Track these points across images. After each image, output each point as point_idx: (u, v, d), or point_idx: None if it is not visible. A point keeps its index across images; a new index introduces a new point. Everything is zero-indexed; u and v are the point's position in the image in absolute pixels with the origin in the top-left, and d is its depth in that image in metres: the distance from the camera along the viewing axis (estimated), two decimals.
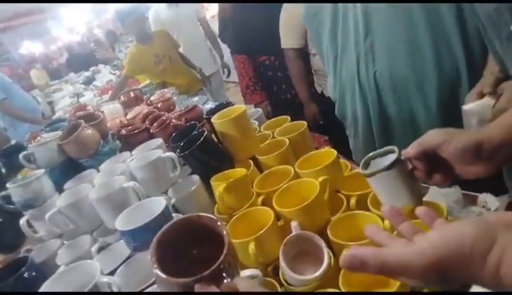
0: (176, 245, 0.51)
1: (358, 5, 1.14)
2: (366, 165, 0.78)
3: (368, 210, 0.85)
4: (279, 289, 0.79)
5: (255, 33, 2.23)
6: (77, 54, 7.91)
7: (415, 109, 1.17)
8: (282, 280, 0.78)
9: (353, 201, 0.89)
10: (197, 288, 0.45)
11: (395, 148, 0.72)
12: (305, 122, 1.17)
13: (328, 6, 1.23)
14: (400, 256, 0.38)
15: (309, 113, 2.17)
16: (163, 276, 0.47)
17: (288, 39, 2.04)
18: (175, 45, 3.11)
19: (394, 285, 0.67)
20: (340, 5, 1.20)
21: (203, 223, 0.54)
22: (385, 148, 0.76)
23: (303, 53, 2.07)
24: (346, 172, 1.04)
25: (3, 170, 1.37)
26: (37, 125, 3.23)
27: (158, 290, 0.50)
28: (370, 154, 0.80)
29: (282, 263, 0.76)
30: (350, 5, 1.16)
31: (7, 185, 1.05)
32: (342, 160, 1.06)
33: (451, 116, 1.12)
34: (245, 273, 0.75)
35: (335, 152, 0.98)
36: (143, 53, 2.89)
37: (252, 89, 2.31)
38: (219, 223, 0.53)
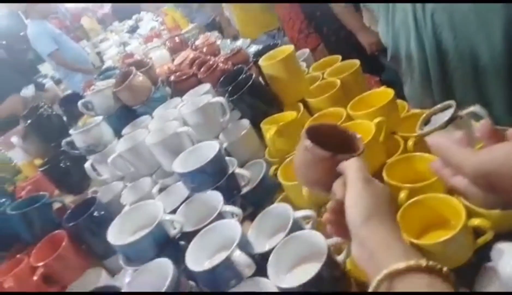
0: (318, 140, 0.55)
1: None
2: (426, 122, 0.77)
3: (427, 152, 0.82)
4: None
5: None
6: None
7: (477, 49, 1.06)
8: None
9: (410, 143, 0.86)
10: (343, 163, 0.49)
11: (453, 103, 0.70)
12: (357, 61, 1.11)
13: None
14: (457, 155, 0.40)
15: (364, 42, 2.03)
16: (320, 150, 0.51)
17: None
18: None
19: (456, 225, 0.65)
20: None
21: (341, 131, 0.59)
22: (445, 103, 0.74)
23: None
24: (402, 112, 0.99)
25: (65, 118, 1.46)
26: (89, 75, 3.37)
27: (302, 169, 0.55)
28: (431, 110, 0.78)
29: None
30: None
31: (70, 132, 1.12)
32: (399, 100, 1.01)
33: None
34: (299, 213, 0.77)
35: (392, 92, 0.93)
36: None
37: (306, 32, 2.19)
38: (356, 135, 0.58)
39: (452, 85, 1.15)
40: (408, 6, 1.10)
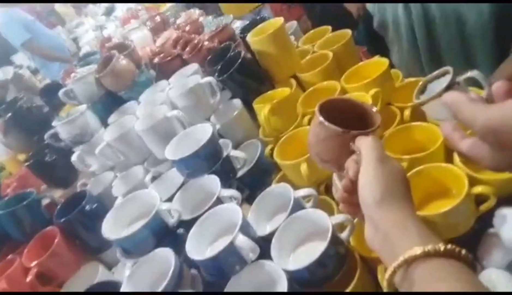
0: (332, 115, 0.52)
1: None
2: (422, 90, 0.76)
3: (424, 121, 0.80)
4: (334, 206, 0.79)
5: None
6: None
7: (463, 14, 1.04)
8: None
9: (407, 112, 0.84)
10: (358, 140, 0.47)
11: (450, 69, 0.68)
12: (349, 31, 1.07)
13: None
14: (469, 110, 0.39)
15: (351, 6, 1.98)
16: (332, 126, 0.49)
17: None
18: None
19: (458, 194, 0.64)
20: None
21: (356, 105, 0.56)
22: (441, 69, 0.71)
23: None
24: (397, 82, 0.97)
25: (46, 109, 1.39)
26: (67, 63, 3.24)
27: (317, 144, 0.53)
28: (426, 77, 0.76)
29: (336, 180, 0.75)
30: None
31: (53, 123, 1.06)
32: (393, 70, 0.99)
33: (506, 19, 0.99)
34: (299, 193, 0.75)
35: (386, 61, 0.91)
36: None
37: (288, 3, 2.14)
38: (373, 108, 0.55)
39: (440, 51, 1.13)
40: None
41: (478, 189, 0.64)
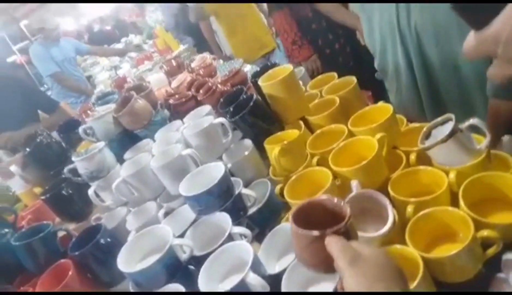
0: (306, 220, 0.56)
1: None
2: (427, 136, 0.80)
3: (429, 165, 0.83)
4: None
5: None
6: (98, 32, 8.06)
7: (459, 59, 1.11)
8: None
9: (413, 157, 0.87)
10: (328, 240, 0.50)
11: (453, 116, 0.74)
12: (354, 78, 1.14)
13: None
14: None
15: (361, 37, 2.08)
16: (301, 230, 0.53)
17: None
18: None
19: (464, 238, 0.66)
20: None
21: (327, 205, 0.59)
22: (445, 116, 0.78)
23: None
24: (402, 127, 1.01)
25: (63, 144, 1.45)
26: (83, 98, 3.38)
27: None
28: (430, 123, 0.81)
29: None
30: None
31: (73, 159, 1.11)
32: (398, 115, 1.03)
33: None
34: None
35: (391, 107, 0.95)
36: None
37: (299, 44, 2.24)
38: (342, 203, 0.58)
39: (440, 95, 1.19)
40: (392, 14, 1.14)
41: (484, 233, 0.66)
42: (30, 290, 0.91)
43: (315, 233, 0.51)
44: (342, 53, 2.25)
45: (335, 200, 0.58)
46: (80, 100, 3.41)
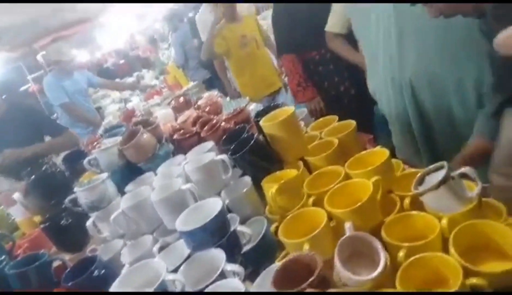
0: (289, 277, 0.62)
1: (391, 8, 1.13)
2: (420, 181, 0.83)
3: (423, 210, 0.85)
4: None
5: (302, 29, 2.23)
6: (111, 65, 8.39)
7: (453, 108, 1.15)
8: (336, 280, 0.79)
9: (407, 201, 0.89)
10: None
11: (445, 164, 0.77)
12: (353, 122, 1.17)
13: (362, 6, 1.22)
14: None
15: None
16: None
17: (331, 22, 1.99)
18: (263, 34, 3.13)
19: (453, 285, 0.66)
20: (373, 7, 1.19)
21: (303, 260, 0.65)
22: (437, 164, 0.82)
23: (345, 37, 2.03)
24: (398, 171, 1.03)
25: (67, 174, 1.48)
26: (91, 129, 3.45)
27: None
28: (424, 170, 0.84)
29: (337, 264, 0.77)
30: (381, 7, 1.15)
31: (75, 189, 1.14)
32: (394, 160, 1.06)
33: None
34: None
35: (387, 152, 0.98)
36: (231, 30, 2.91)
37: (303, 86, 2.32)
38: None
39: (434, 139, 1.22)
40: (387, 66, 1.19)
41: (473, 281, 0.66)
42: None
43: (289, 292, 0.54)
44: (347, 95, 2.31)
45: (308, 254, 0.62)
46: (87, 130, 3.47)
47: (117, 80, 6.87)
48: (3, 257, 1.10)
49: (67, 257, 1.24)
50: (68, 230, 1.22)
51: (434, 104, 1.16)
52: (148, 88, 4.23)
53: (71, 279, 0.93)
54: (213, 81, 4.05)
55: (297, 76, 2.33)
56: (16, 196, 1.37)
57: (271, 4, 3.19)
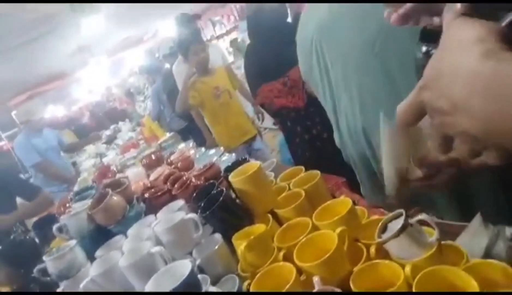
0: None
1: (336, 62, 1.19)
2: (383, 229, 0.87)
3: (389, 257, 0.87)
4: None
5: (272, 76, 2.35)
6: (84, 124, 8.54)
7: None
8: None
9: (372, 249, 0.91)
10: None
11: (403, 211, 0.81)
12: (318, 173, 1.21)
13: (315, 66, 1.28)
14: None
15: None
16: None
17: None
18: (235, 84, 3.25)
19: None
20: (321, 66, 1.25)
21: None
22: (396, 211, 0.85)
23: None
24: (363, 218, 1.06)
25: (37, 240, 1.45)
26: (66, 186, 3.39)
27: None
28: (385, 218, 0.88)
29: None
30: (328, 63, 1.21)
31: (44, 258, 1.11)
32: (359, 207, 1.09)
33: None
34: None
35: (350, 201, 1.01)
36: (203, 83, 3.01)
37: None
38: None
39: None
40: (343, 120, 1.25)
41: None
42: None
43: None
44: (319, 138, 2.39)
45: None
46: (62, 188, 3.42)
47: (93, 133, 6.87)
48: None
49: None
50: None
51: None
52: (116, 140, 4.25)
53: None
54: (190, 130, 4.11)
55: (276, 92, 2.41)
56: None
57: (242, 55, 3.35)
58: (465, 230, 0.99)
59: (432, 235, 0.84)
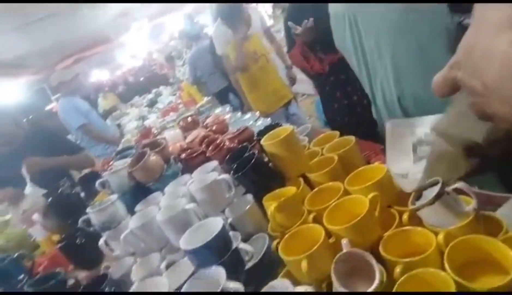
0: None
1: (370, 33, 1.14)
2: (418, 196, 0.84)
3: (422, 225, 0.85)
4: None
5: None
6: (131, 83, 8.75)
7: None
8: None
9: (405, 216, 0.89)
10: None
11: (440, 179, 0.78)
12: (353, 138, 1.19)
13: (348, 37, 1.24)
14: None
15: None
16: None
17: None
18: (276, 45, 3.35)
19: None
20: (355, 36, 1.21)
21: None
22: (433, 179, 0.82)
23: None
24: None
25: (82, 195, 1.55)
26: (111, 147, 3.53)
27: None
28: (421, 185, 0.85)
29: (334, 281, 0.79)
30: (362, 33, 1.17)
31: (87, 210, 1.20)
32: None
33: None
34: (300, 288, 0.80)
35: (385, 167, 0.99)
36: (244, 47, 3.06)
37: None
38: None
39: None
40: (378, 89, 1.21)
41: None
42: None
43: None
44: (359, 104, 2.32)
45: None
46: (106, 151, 3.54)
47: (136, 97, 7.09)
48: (22, 276, 1.16)
49: (83, 274, 1.30)
50: (82, 248, 1.27)
51: None
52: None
53: None
54: (229, 91, 4.12)
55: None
56: (35, 216, 1.45)
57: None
58: (507, 202, 0.95)
59: (470, 204, 0.81)
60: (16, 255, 1.31)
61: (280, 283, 0.85)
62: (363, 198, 0.92)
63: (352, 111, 2.32)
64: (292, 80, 3.51)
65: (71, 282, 1.12)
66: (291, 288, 0.79)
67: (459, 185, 0.81)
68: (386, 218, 0.94)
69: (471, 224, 0.79)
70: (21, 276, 1.16)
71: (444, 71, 0.46)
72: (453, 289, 0.67)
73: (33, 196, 1.58)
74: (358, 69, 1.30)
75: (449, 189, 0.81)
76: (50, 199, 1.43)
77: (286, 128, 1.19)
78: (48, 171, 1.95)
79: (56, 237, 1.49)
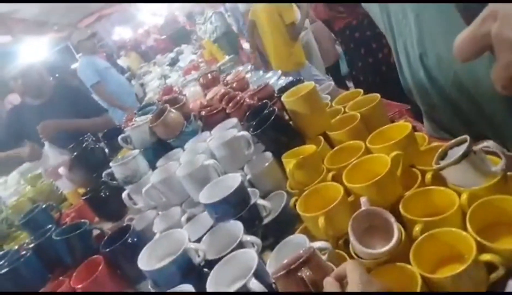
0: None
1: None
2: (443, 156, 0.81)
3: (445, 185, 0.83)
4: None
5: None
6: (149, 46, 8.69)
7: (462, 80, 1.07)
8: (353, 254, 0.81)
9: (428, 176, 0.87)
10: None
11: (467, 138, 0.74)
12: (377, 96, 1.14)
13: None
14: None
15: None
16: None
17: None
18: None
19: (467, 261, 0.66)
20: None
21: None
22: (460, 137, 0.79)
23: None
24: (423, 145, 1.00)
25: (107, 150, 1.59)
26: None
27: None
28: (447, 144, 0.81)
29: (351, 237, 0.79)
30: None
31: (110, 164, 1.23)
32: (420, 133, 1.03)
33: None
34: (315, 244, 0.80)
35: (410, 126, 0.95)
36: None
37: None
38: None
39: (462, 113, 1.15)
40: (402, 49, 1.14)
41: (487, 257, 0.65)
42: (67, 280, 1.02)
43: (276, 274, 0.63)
44: (385, 63, 2.23)
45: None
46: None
47: (158, 56, 7.06)
48: (50, 225, 1.22)
49: (107, 225, 1.36)
50: (107, 201, 1.32)
51: (446, 83, 1.09)
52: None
53: (108, 246, 1.03)
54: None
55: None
56: (61, 170, 1.50)
57: None
58: None
59: (497, 164, 0.78)
60: (44, 205, 1.38)
61: (297, 238, 0.85)
62: (384, 157, 0.89)
63: (376, 70, 2.23)
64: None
65: (96, 232, 1.18)
66: (307, 243, 0.79)
67: (488, 143, 0.77)
68: (408, 178, 0.92)
69: (497, 184, 0.76)
70: (49, 226, 1.22)
71: (473, 26, 0.41)
72: (474, 250, 0.66)
73: (52, 154, 1.63)
74: (383, 25, 1.23)
75: (476, 148, 0.77)
76: (74, 153, 1.47)
77: (307, 85, 1.15)
78: (64, 133, 1.99)
79: (81, 190, 1.55)
